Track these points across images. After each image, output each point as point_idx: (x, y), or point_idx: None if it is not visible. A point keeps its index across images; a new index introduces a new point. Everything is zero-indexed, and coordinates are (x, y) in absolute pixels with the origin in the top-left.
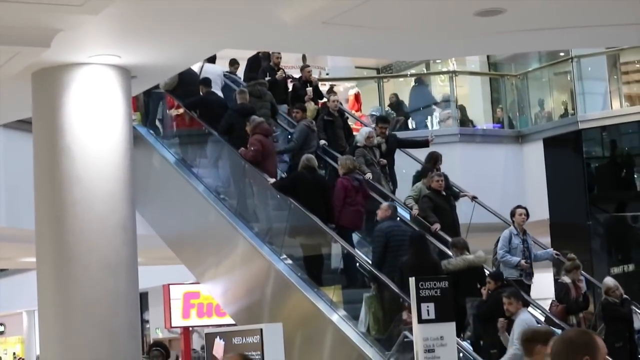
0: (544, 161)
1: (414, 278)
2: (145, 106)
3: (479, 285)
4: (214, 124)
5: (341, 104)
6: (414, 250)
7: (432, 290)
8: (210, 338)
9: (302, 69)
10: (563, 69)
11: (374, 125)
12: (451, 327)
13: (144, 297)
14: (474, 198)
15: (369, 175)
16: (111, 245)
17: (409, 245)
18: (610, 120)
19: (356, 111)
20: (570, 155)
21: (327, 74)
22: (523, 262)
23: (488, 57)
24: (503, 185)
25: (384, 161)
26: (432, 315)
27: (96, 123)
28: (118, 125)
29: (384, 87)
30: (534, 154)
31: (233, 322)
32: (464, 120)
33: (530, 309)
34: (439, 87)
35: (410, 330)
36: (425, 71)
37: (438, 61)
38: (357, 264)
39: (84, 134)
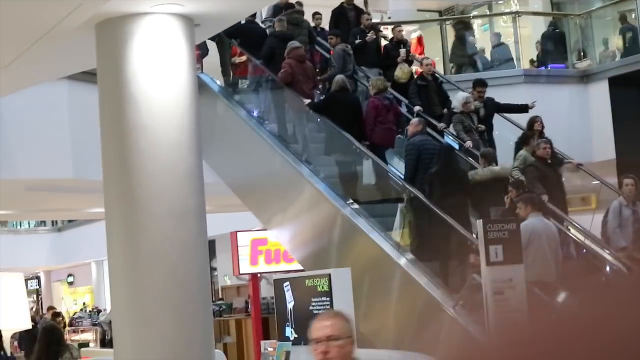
0: (609, 101)
1: (481, 220)
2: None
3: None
4: (254, 52)
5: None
6: (442, 161)
7: (500, 232)
8: (278, 284)
9: (393, 30)
10: (627, 7)
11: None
12: (520, 269)
13: (211, 245)
14: (578, 165)
15: (469, 144)
16: (179, 193)
17: (437, 157)
18: None
19: (419, 54)
20: (636, 93)
21: (389, 18)
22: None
23: None
24: (568, 126)
25: (482, 127)
26: (500, 258)
27: (161, 72)
28: (182, 74)
29: (446, 30)
30: (599, 93)
31: (301, 268)
32: None
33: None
34: (501, 29)
35: (479, 273)
36: (488, 12)
37: (500, 2)
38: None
39: (148, 83)
